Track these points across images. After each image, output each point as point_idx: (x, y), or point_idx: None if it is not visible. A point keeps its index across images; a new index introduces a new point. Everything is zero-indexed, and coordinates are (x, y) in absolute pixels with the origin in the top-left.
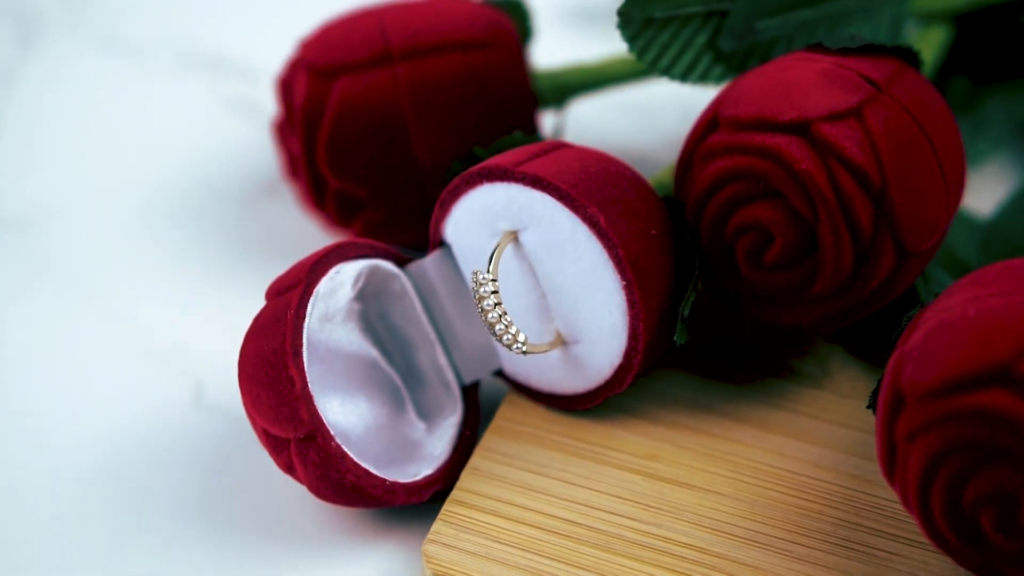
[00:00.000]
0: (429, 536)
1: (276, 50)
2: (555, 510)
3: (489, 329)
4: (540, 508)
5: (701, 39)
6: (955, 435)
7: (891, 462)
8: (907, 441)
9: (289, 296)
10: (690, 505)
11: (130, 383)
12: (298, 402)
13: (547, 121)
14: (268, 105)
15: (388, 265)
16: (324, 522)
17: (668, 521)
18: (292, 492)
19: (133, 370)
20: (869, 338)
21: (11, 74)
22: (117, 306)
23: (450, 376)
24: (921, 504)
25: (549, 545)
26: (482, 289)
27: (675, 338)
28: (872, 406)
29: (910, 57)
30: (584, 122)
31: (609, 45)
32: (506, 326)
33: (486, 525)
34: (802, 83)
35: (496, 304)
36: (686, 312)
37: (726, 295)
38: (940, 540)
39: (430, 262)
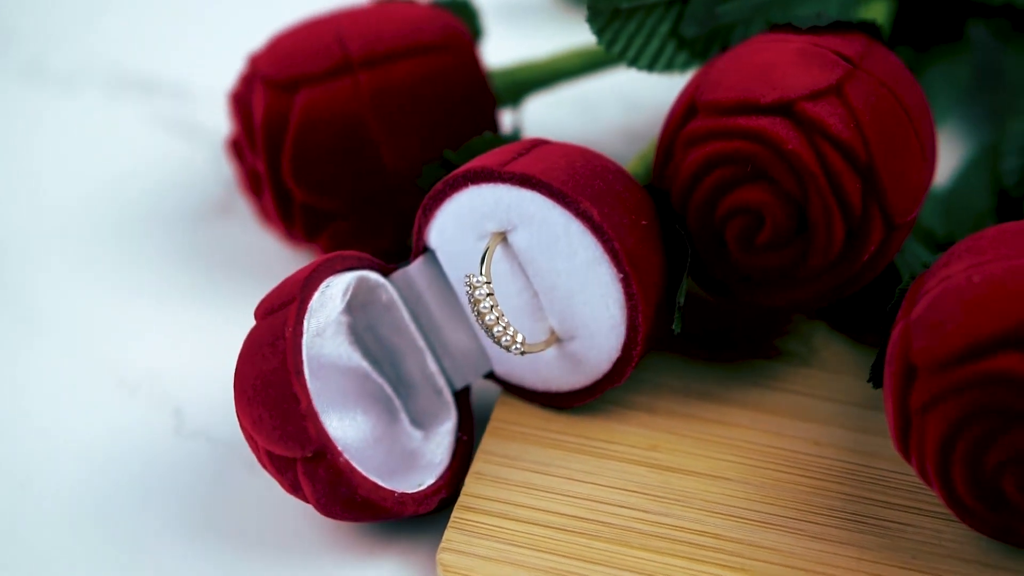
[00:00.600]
0: (443, 544)
1: (208, 68)
2: (564, 508)
3: (487, 332)
4: (549, 507)
5: (665, 27)
6: (974, 402)
7: (905, 435)
8: (922, 412)
9: (284, 313)
10: (698, 492)
11: (107, 416)
12: (304, 420)
13: (505, 120)
14: (207, 123)
15: (375, 276)
16: (328, 540)
17: (678, 510)
18: (291, 511)
19: (108, 403)
20: (852, 312)
21: None
22: (79, 338)
23: (441, 383)
24: (941, 473)
25: (563, 544)
26: (477, 292)
27: (673, 327)
28: (874, 380)
29: (875, 32)
30: (530, 119)
31: (551, 40)
32: (504, 327)
33: (498, 528)
34: (779, 64)
35: (493, 306)
36: (682, 300)
37: (713, 281)
38: (960, 507)
39: (415, 269)
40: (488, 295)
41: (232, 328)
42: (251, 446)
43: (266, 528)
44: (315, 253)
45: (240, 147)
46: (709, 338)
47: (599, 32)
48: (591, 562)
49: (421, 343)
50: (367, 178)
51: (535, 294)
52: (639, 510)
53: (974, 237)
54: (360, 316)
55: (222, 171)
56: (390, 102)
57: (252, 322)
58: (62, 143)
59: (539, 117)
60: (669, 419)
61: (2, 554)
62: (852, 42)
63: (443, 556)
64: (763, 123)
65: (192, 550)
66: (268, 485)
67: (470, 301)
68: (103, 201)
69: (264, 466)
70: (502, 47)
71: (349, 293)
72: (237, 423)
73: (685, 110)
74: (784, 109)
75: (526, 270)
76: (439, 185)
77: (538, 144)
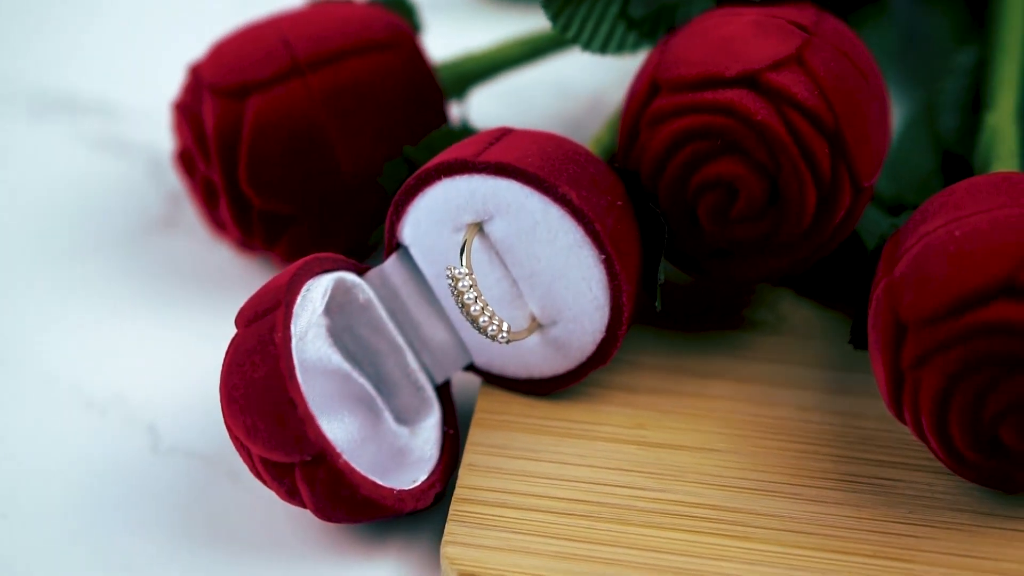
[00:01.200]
0: (446, 538)
1: (129, 84)
2: (561, 492)
3: (472, 323)
4: (546, 492)
5: (614, 9)
6: (970, 352)
7: (898, 392)
8: (916, 368)
9: (271, 319)
10: (691, 466)
11: (80, 440)
12: (302, 424)
13: (453, 113)
14: (137, 139)
15: (351, 276)
16: (322, 544)
17: (674, 485)
18: (281, 518)
19: (79, 426)
20: (817, 278)
21: None
22: (37, 363)
23: (421, 379)
24: (937, 427)
25: (565, 527)
26: (460, 284)
27: (656, 304)
28: (855, 342)
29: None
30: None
31: (481, 33)
32: (489, 317)
33: (498, 518)
34: (739, 37)
35: (477, 297)
36: (662, 278)
37: (685, 257)
38: (957, 459)
39: (390, 267)
40: (471, 286)
41: (193, 340)
42: (242, 455)
43: (258, 537)
44: (273, 261)
45: (190, 158)
46: (677, 311)
47: (554, 17)
48: (595, 543)
49: (400, 341)
50: (324, 180)
51: (514, 282)
52: (636, 488)
53: (944, 194)
54: (338, 317)
55: (160, 185)
56: (341, 102)
57: (213, 333)
58: None
59: (475, 110)
60: (651, 396)
61: None
62: (804, 11)
63: (448, 550)
64: (730, 95)
65: (186, 566)
66: (254, 494)
67: (453, 293)
68: (42, 224)
69: (258, 474)
70: (434, 43)
71: (327, 295)
72: (213, 435)
73: (647, 89)
74: (749, 81)
75: (504, 259)
76: (410, 180)
77: (506, 133)
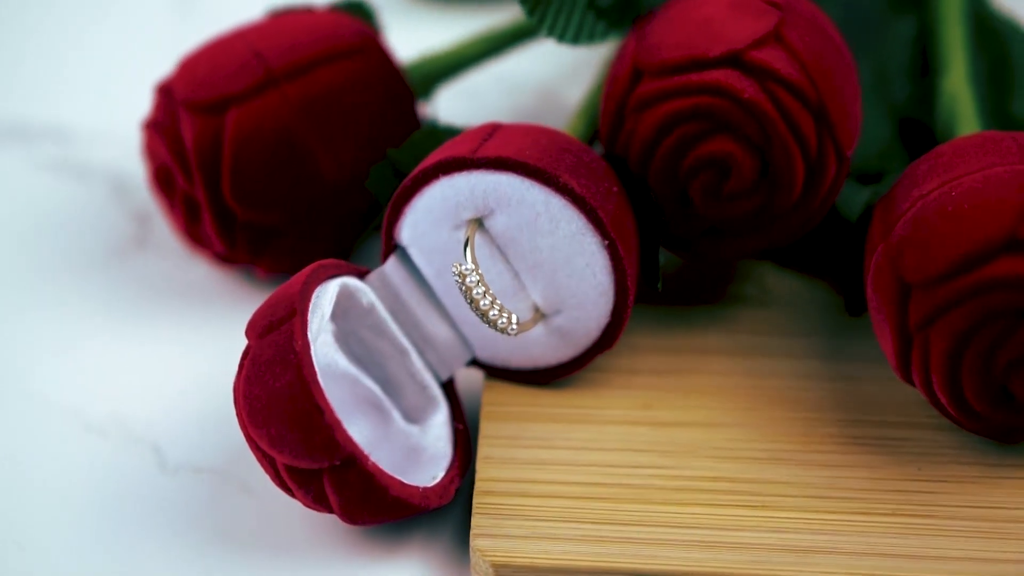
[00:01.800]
0: (473, 531)
1: (81, 108)
2: (579, 477)
3: (482, 318)
4: (565, 479)
5: (582, 0)
6: (978, 309)
7: (906, 353)
8: (924, 327)
9: (288, 328)
10: (702, 441)
11: (86, 465)
12: (330, 430)
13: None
14: (94, 162)
15: (354, 281)
16: (346, 547)
17: (689, 461)
18: (299, 525)
19: (83, 451)
20: (798, 248)
21: None
22: (29, 388)
23: (427, 377)
24: (949, 384)
25: (589, 511)
26: (468, 280)
27: (658, 286)
28: (852, 309)
29: None
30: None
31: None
32: (499, 311)
33: (522, 507)
34: (716, 18)
35: (485, 291)
36: (662, 260)
37: (675, 238)
38: (968, 414)
39: (389, 268)
40: (479, 282)
41: (182, 355)
42: (264, 466)
43: (280, 546)
44: (256, 273)
45: (168, 175)
46: (665, 287)
47: (531, 11)
48: (620, 524)
49: (403, 342)
50: (307, 188)
51: (515, 275)
52: (651, 467)
53: (930, 157)
54: (343, 322)
55: (124, 205)
56: (319, 110)
57: (201, 346)
58: None
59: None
60: (653, 377)
61: None
62: None
63: (478, 542)
64: (716, 76)
65: None
66: (270, 504)
67: (462, 290)
68: (10, 251)
69: (282, 484)
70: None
71: (333, 301)
72: (219, 449)
73: (629, 76)
74: (733, 60)
75: (505, 252)
76: (407, 182)
77: (497, 128)
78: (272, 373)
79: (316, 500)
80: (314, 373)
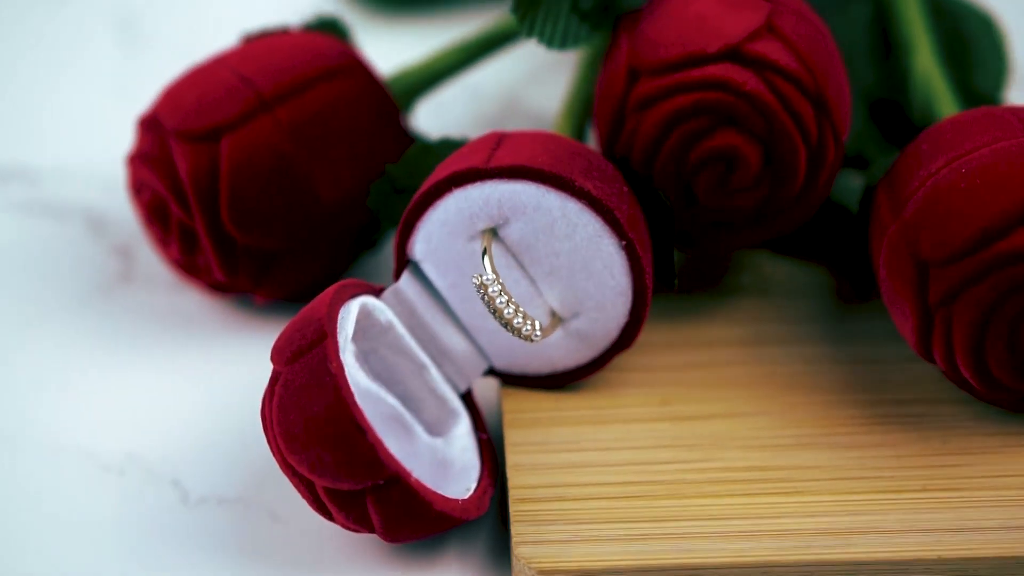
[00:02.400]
0: (515, 540)
1: (45, 146)
2: (611, 477)
3: (507, 326)
4: (596, 480)
5: (566, 5)
6: (1001, 281)
7: (928, 330)
8: (945, 304)
9: (321, 351)
10: (727, 432)
11: (108, 506)
12: (373, 449)
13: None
14: (69, 199)
15: (372, 300)
16: (384, 565)
17: (717, 453)
18: (333, 548)
19: (102, 491)
20: (794, 235)
21: None
22: (37, 432)
23: (446, 390)
24: (974, 358)
25: (626, 510)
26: (490, 290)
27: (675, 283)
28: (860, 294)
29: None
30: None
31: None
32: (523, 318)
33: (560, 512)
34: (709, 14)
35: (508, 300)
36: (676, 256)
37: (680, 233)
38: (992, 386)
39: (404, 284)
40: (501, 291)
41: (186, 386)
42: (301, 491)
43: (313, 570)
44: (255, 299)
45: (161, 207)
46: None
47: (521, 19)
48: (659, 520)
49: (422, 357)
50: (306, 210)
51: (531, 282)
52: (680, 462)
53: (928, 136)
54: (362, 341)
55: (103, 241)
56: (312, 132)
57: (204, 376)
58: None
59: None
60: (666, 373)
61: None
62: None
63: (521, 550)
64: (716, 70)
65: None
66: (300, 529)
67: (484, 300)
68: None
69: (320, 507)
70: None
71: (354, 321)
72: (239, 478)
73: (625, 76)
74: (732, 54)
75: (521, 260)
76: (418, 196)
77: (503, 137)
78: (308, 397)
79: (357, 521)
80: (352, 394)
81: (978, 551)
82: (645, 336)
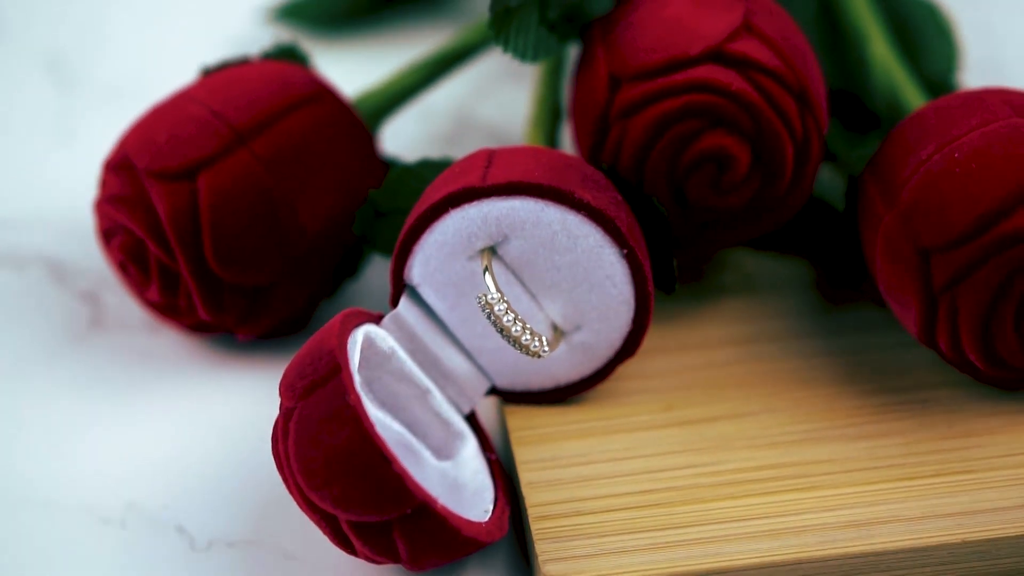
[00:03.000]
0: (541, 558)
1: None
2: (626, 487)
3: (514, 344)
4: (612, 491)
5: (534, 17)
6: (1007, 262)
7: (932, 315)
8: (950, 289)
9: (336, 385)
10: (734, 432)
11: (114, 560)
12: (400, 479)
13: None
14: (24, 247)
15: (374, 328)
16: None
17: (727, 454)
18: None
19: (107, 544)
20: (775, 231)
21: None
22: (31, 490)
23: (450, 414)
24: (982, 339)
25: (647, 519)
26: (496, 308)
27: (676, 288)
28: (853, 283)
29: None
30: None
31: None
32: (531, 335)
33: (581, 526)
34: (685, 16)
35: (515, 318)
36: (675, 262)
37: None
38: (1001, 367)
39: (403, 310)
40: (507, 309)
41: (176, 430)
42: (323, 527)
43: None
44: (239, 336)
45: (139, 250)
46: None
47: (497, 34)
48: (682, 527)
49: (425, 383)
50: (291, 241)
51: (532, 298)
52: (693, 466)
53: (911, 123)
54: (365, 370)
55: (68, 288)
56: (289, 162)
57: (192, 417)
58: None
59: None
60: (666, 378)
61: None
62: None
63: (549, 568)
64: (701, 72)
65: None
66: (314, 565)
67: (491, 320)
68: None
69: (343, 541)
70: None
71: (360, 350)
72: (245, 519)
73: (606, 85)
74: (714, 55)
75: (521, 277)
76: (412, 221)
77: (493, 153)
78: (327, 431)
79: (382, 553)
80: (373, 425)
81: (1001, 531)
82: None
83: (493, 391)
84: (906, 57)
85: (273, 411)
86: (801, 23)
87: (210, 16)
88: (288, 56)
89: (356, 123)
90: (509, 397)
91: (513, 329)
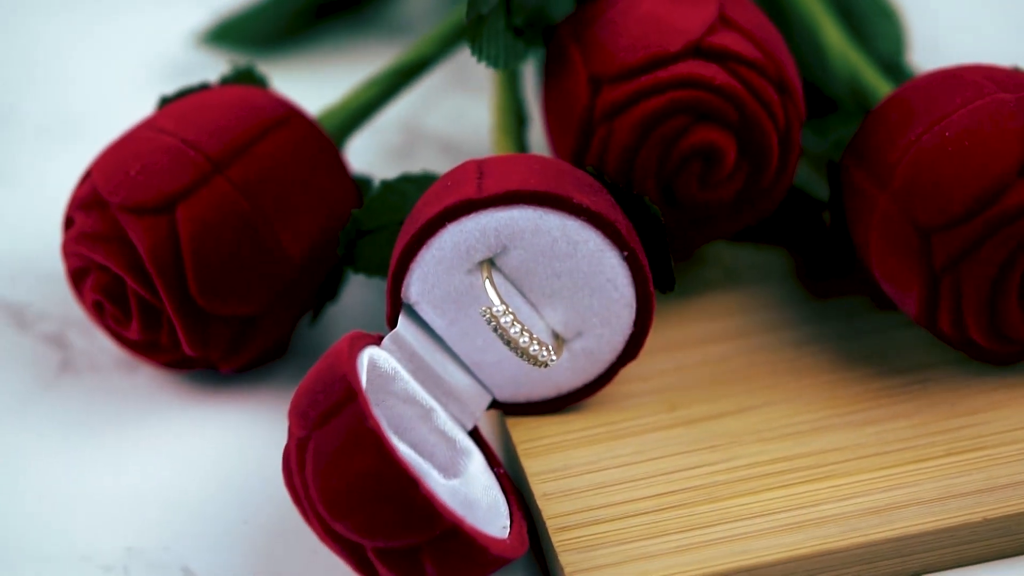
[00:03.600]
0: (567, 570)
1: None
2: (642, 491)
3: (523, 355)
4: (629, 496)
5: (501, 23)
6: (1010, 237)
7: (933, 295)
8: (953, 267)
9: (353, 410)
10: (741, 428)
11: None
12: (429, 501)
13: None
14: None
15: (376, 350)
16: None
17: (738, 450)
18: None
19: None
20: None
21: None
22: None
23: (454, 431)
24: (989, 316)
25: (668, 521)
26: (503, 320)
27: (675, 287)
28: (844, 269)
29: None
30: None
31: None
32: (538, 345)
33: (602, 535)
34: (661, 13)
35: (522, 329)
36: (672, 260)
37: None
38: (1004, 342)
39: (403, 329)
40: (512, 321)
41: (167, 469)
42: (346, 556)
43: None
44: (221, 368)
45: (116, 288)
46: None
47: (472, 44)
48: (703, 527)
49: (428, 401)
50: (276, 268)
51: (532, 307)
52: (706, 465)
53: (891, 104)
54: (370, 393)
55: (32, 332)
56: (267, 187)
57: (180, 455)
58: None
59: None
60: (665, 378)
61: None
62: None
63: None
64: (684, 68)
65: None
66: None
67: (497, 332)
68: None
69: (368, 569)
70: None
71: (366, 373)
72: (249, 554)
73: (586, 87)
74: (694, 50)
75: (520, 287)
76: (408, 239)
77: (482, 164)
78: (347, 459)
79: None
80: (395, 449)
81: (1021, 506)
82: None
83: (494, 404)
84: (856, 42)
85: (262, 441)
86: None
87: (139, 45)
88: (247, 79)
89: (326, 143)
90: (510, 410)
91: (521, 340)
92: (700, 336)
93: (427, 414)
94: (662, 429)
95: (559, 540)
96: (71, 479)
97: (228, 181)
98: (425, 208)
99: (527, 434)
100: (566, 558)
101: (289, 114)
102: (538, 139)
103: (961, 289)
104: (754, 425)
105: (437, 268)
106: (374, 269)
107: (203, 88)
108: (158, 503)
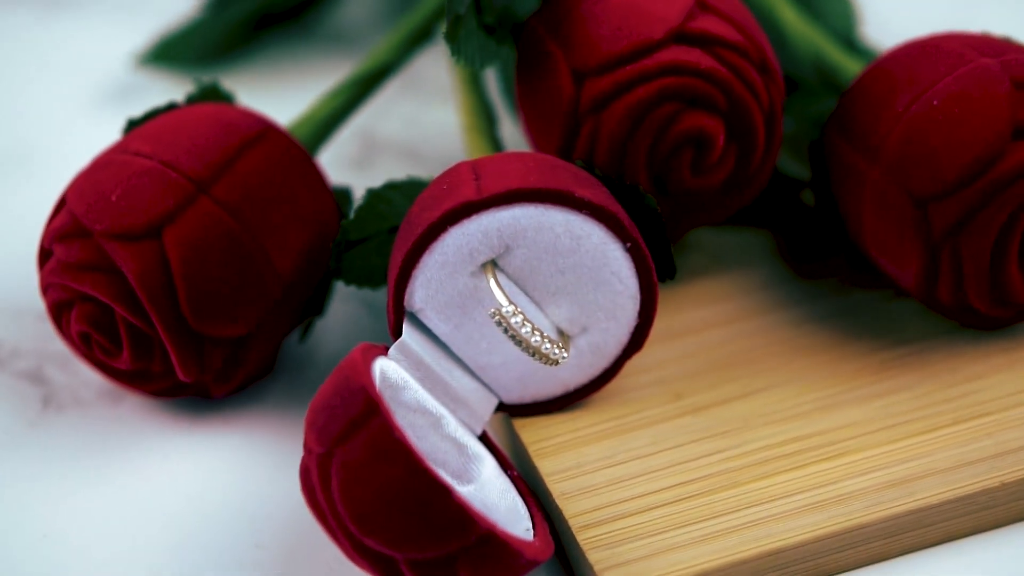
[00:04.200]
0: (597, 567)
1: None
2: (659, 483)
3: (534, 354)
4: (647, 490)
5: (473, 23)
6: (1009, 201)
7: (933, 264)
8: (954, 234)
9: (377, 423)
10: (750, 411)
11: None
12: (463, 508)
13: None
14: None
15: (385, 361)
16: None
17: (750, 434)
18: None
19: None
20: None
21: None
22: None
23: (465, 437)
24: (991, 281)
25: (689, 511)
26: (512, 321)
27: (675, 276)
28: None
29: None
30: None
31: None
32: (550, 344)
33: (625, 529)
34: (638, 1)
35: (532, 328)
36: (672, 248)
37: None
38: (1005, 307)
39: (408, 337)
40: (523, 321)
41: (160, 499)
42: (378, 572)
43: None
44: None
45: (105, 318)
46: None
47: (451, 45)
48: (725, 514)
49: (437, 409)
50: (268, 285)
51: (536, 306)
52: (720, 451)
53: (872, 75)
54: None
55: (10, 369)
56: (252, 204)
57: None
58: None
59: None
60: (667, 367)
61: None
62: None
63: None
64: (669, 55)
65: None
66: None
67: (507, 333)
68: None
69: None
70: None
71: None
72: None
73: (569, 81)
74: (678, 36)
75: (524, 286)
76: (409, 246)
77: (476, 165)
78: (375, 472)
79: None
80: (424, 458)
81: None
82: None
83: (500, 408)
84: (811, 21)
85: (260, 463)
86: None
87: (79, 70)
88: (213, 96)
89: (304, 155)
90: (516, 411)
91: (532, 340)
92: (695, 323)
93: (437, 422)
94: (670, 419)
95: (584, 538)
96: (67, 518)
97: (213, 201)
98: (424, 213)
99: (536, 435)
100: (594, 555)
101: (265, 129)
102: (510, 136)
103: (961, 257)
104: (761, 408)
105: (440, 273)
106: (364, 280)
107: (171, 108)
108: (160, 535)
